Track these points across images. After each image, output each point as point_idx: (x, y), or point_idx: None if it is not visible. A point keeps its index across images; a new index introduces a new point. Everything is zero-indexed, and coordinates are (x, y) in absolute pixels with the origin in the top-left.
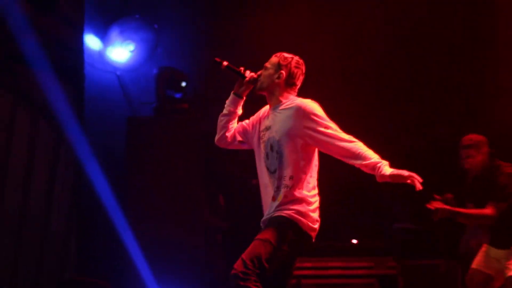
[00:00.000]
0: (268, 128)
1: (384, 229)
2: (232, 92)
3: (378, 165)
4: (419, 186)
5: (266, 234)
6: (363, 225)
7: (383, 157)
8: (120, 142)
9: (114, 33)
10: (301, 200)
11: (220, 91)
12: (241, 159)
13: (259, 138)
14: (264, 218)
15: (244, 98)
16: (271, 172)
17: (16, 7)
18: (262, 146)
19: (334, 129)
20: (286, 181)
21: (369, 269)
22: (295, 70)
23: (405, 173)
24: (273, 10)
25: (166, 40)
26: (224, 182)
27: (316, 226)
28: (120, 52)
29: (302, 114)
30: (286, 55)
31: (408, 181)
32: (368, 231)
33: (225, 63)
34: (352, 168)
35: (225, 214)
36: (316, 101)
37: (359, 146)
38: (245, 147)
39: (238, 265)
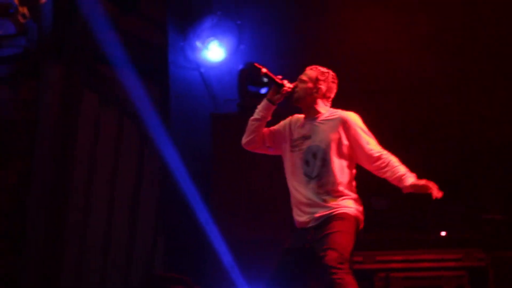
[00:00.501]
0: (307, 137)
1: (474, 220)
2: (265, 98)
3: (403, 177)
4: (435, 195)
5: (340, 227)
6: (452, 217)
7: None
8: (205, 139)
9: (197, 31)
10: (355, 200)
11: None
12: None
13: (292, 146)
14: (305, 219)
15: (276, 105)
16: (312, 178)
17: (99, 8)
18: (298, 153)
19: (373, 143)
20: (336, 187)
21: (459, 261)
22: (332, 85)
23: (421, 182)
24: (354, 6)
25: (249, 37)
26: None
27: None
28: (203, 49)
29: (348, 125)
30: (322, 69)
31: (428, 190)
32: (457, 222)
33: (264, 70)
34: (442, 159)
35: None
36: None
37: (392, 161)
38: (270, 152)
39: (332, 258)
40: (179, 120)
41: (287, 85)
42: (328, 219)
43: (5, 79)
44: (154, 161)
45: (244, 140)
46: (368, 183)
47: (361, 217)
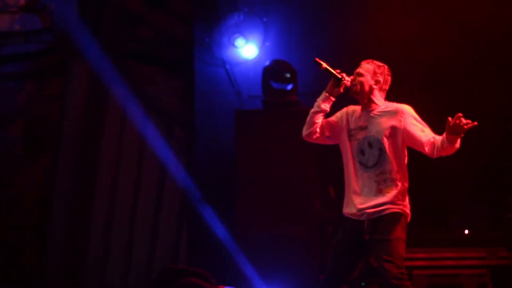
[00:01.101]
0: (363, 128)
1: (497, 219)
2: (325, 91)
3: (443, 139)
4: (468, 121)
5: (397, 233)
6: (475, 215)
7: None
8: (230, 135)
9: (223, 27)
10: (405, 192)
11: (327, 83)
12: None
13: (350, 135)
14: (355, 211)
15: (335, 98)
16: (368, 167)
17: (127, 3)
18: (354, 143)
19: (427, 131)
20: (393, 175)
21: (481, 259)
22: (388, 78)
23: (451, 123)
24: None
25: (274, 33)
26: (335, 174)
27: None
28: (229, 46)
29: (405, 117)
30: (378, 63)
31: (460, 122)
32: (480, 221)
33: (324, 64)
34: (466, 158)
35: (336, 206)
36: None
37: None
38: (330, 142)
39: (394, 274)
40: (204, 116)
41: (346, 78)
42: (384, 218)
43: (31, 75)
44: (179, 155)
45: (304, 132)
46: None
47: (409, 212)
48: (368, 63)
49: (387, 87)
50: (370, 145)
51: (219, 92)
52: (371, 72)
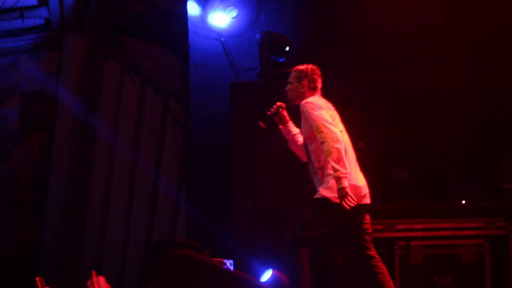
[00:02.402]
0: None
1: (494, 190)
2: (280, 127)
3: None
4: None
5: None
6: (472, 186)
7: None
8: (225, 108)
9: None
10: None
11: (323, 55)
12: (348, 123)
13: None
14: None
15: (289, 120)
16: (307, 162)
17: None
18: None
19: (315, 125)
20: (317, 166)
21: (479, 229)
22: (313, 77)
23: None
24: None
25: (269, 6)
26: None
27: None
28: (223, 18)
29: (302, 111)
30: (300, 67)
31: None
32: (477, 191)
33: (262, 125)
34: (463, 128)
35: None
36: None
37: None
38: None
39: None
40: (199, 89)
41: (274, 109)
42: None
43: (26, 50)
44: (176, 130)
45: (302, 160)
46: (389, 153)
47: (330, 196)
48: (292, 71)
49: (316, 85)
50: (304, 143)
51: (214, 65)
52: (296, 79)
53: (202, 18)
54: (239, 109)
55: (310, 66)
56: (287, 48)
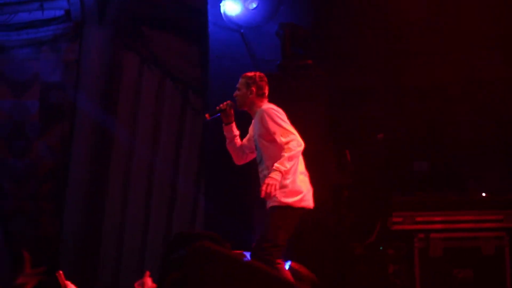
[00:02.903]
0: (254, 134)
1: None
2: (223, 124)
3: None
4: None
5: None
6: (492, 178)
7: None
8: None
9: None
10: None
11: (343, 46)
12: (368, 115)
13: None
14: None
15: (233, 121)
16: (257, 163)
17: None
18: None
19: (278, 134)
20: (270, 169)
21: (499, 222)
22: (261, 84)
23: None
24: None
25: None
26: (350, 137)
27: None
28: (243, 9)
29: (262, 116)
30: (249, 74)
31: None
32: (497, 184)
33: (207, 116)
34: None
35: (352, 169)
36: None
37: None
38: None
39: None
40: (218, 80)
41: (224, 104)
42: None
43: (47, 42)
44: (195, 122)
45: (234, 161)
46: (410, 146)
47: (286, 201)
48: (241, 77)
49: (264, 91)
50: (256, 147)
51: (234, 57)
52: (244, 85)
53: (222, 10)
54: None
55: (258, 73)
56: (307, 40)
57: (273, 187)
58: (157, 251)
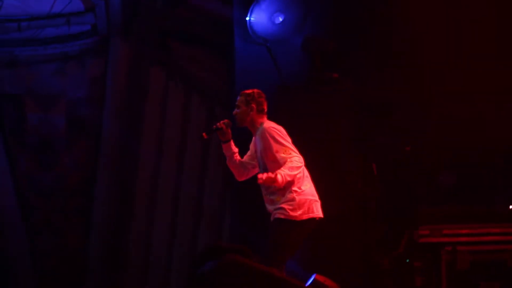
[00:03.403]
0: (257, 150)
1: None
2: (221, 143)
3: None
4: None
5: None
6: None
7: None
8: (271, 113)
9: (263, 4)
10: (293, 199)
11: (370, 59)
12: (394, 127)
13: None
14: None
15: (231, 139)
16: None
17: None
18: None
19: (280, 152)
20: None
21: None
22: (260, 100)
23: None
24: None
25: (315, 10)
26: (377, 150)
27: None
28: (270, 23)
29: (264, 136)
30: (247, 91)
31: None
32: None
33: (204, 135)
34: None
35: (378, 183)
36: None
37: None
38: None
39: None
40: None
41: (221, 123)
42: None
43: (73, 56)
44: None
45: (236, 177)
46: (437, 158)
47: (296, 214)
48: (240, 95)
49: (263, 107)
50: (259, 165)
51: (260, 70)
52: (244, 102)
53: (248, 23)
54: (286, 114)
55: (256, 90)
56: (332, 54)
57: (270, 180)
58: (182, 266)
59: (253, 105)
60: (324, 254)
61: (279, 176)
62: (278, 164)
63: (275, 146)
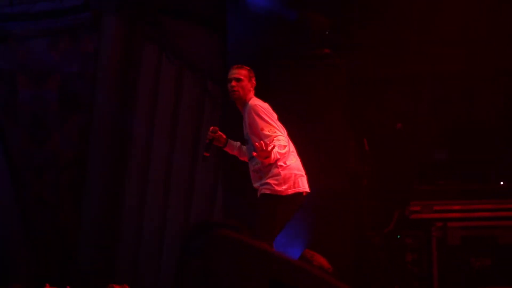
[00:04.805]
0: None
1: None
2: (222, 148)
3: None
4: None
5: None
6: (511, 167)
7: None
8: (263, 89)
9: None
10: (279, 174)
11: (361, 36)
12: (386, 105)
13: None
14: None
15: (227, 139)
16: (249, 160)
17: None
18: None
19: (265, 130)
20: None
21: None
22: (255, 77)
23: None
24: None
25: None
26: (369, 126)
27: None
28: None
29: (250, 113)
30: (247, 66)
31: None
32: None
33: (206, 154)
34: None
35: (370, 158)
36: None
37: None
38: None
39: None
40: None
41: (210, 135)
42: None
43: (65, 31)
44: (214, 112)
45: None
46: (429, 135)
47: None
48: (242, 69)
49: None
50: (246, 140)
51: (252, 45)
52: (248, 77)
53: None
54: (278, 89)
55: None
56: (326, 31)
57: (265, 154)
58: (175, 240)
59: (254, 81)
60: (315, 230)
61: (273, 153)
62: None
63: (260, 123)
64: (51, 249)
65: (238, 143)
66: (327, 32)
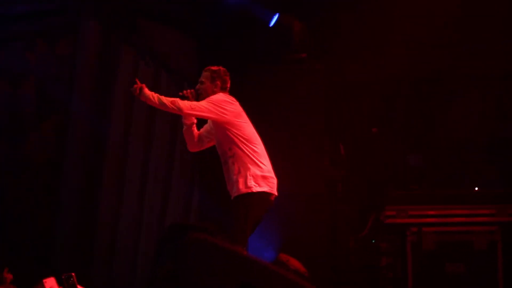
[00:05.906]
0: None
1: (507, 176)
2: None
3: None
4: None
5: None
6: (485, 173)
7: None
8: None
9: None
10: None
11: (338, 40)
12: (361, 109)
13: None
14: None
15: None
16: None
17: None
18: None
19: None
20: (229, 153)
21: (491, 216)
22: (225, 77)
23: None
24: None
25: None
26: (344, 131)
27: None
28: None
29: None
30: (213, 68)
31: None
32: (490, 178)
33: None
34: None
35: (345, 163)
36: None
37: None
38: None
39: None
40: None
41: (188, 92)
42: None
43: (42, 34)
44: None
45: (188, 147)
46: (404, 140)
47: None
48: (205, 71)
49: (227, 85)
50: (216, 141)
51: (228, 48)
52: (209, 79)
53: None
54: (256, 92)
55: (222, 68)
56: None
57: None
58: (151, 243)
59: (218, 82)
60: (290, 233)
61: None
62: (227, 134)
63: (206, 99)
64: (27, 251)
65: (195, 121)
66: (303, 36)
